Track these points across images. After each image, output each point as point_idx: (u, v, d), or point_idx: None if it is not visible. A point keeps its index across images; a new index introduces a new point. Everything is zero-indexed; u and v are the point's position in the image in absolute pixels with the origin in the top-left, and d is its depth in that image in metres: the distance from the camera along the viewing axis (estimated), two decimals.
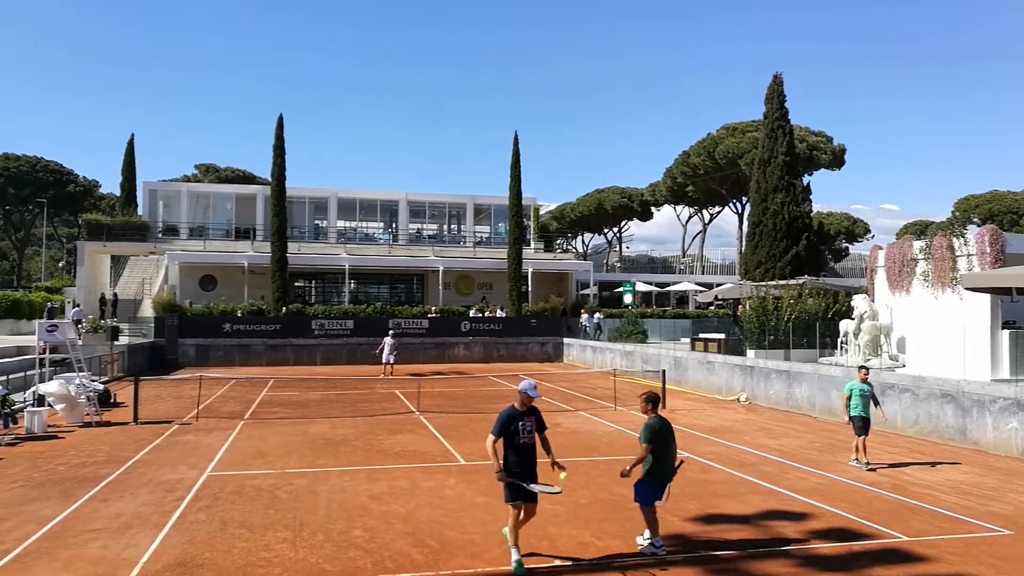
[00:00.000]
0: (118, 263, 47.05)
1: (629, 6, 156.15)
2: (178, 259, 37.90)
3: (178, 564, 7.45)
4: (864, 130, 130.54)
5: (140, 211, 43.12)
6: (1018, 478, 11.60)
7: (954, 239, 17.57)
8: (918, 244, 18.84)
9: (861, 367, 13.14)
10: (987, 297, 16.20)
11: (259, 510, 9.50)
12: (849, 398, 12.43)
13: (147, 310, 37.31)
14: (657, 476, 7.68)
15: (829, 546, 8.15)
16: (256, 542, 8.19)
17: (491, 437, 7.44)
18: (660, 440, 7.71)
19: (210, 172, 69.09)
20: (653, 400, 8.06)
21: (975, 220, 62.05)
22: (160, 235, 42.26)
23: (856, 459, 12.40)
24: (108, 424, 16.41)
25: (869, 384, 12.57)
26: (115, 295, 38.72)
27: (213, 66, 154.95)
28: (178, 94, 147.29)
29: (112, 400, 19.38)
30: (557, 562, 7.63)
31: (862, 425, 12.31)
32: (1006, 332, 16.17)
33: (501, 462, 7.38)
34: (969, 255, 17.04)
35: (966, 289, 16.32)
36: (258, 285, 37.43)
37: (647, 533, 7.87)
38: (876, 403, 12.66)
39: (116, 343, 27.30)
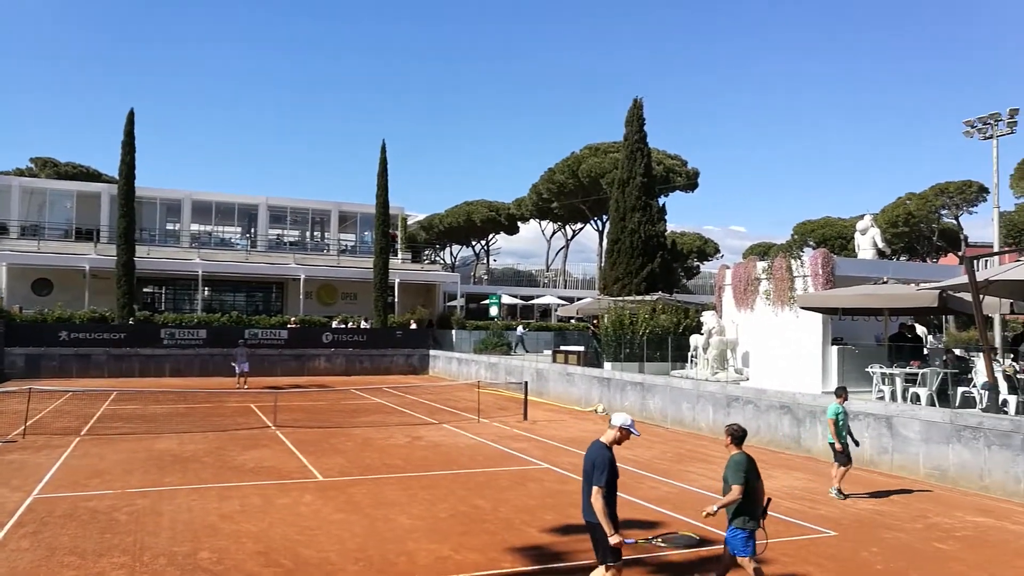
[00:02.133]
0: None
1: (504, 14, 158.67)
2: (6, 260, 34.59)
3: None
4: (716, 154, 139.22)
5: None
6: (843, 483, 12.64)
7: (792, 261, 19.00)
8: (761, 265, 20.20)
9: (841, 388, 12.21)
10: (819, 316, 17.61)
11: (93, 535, 8.81)
12: (836, 422, 11.50)
13: None
14: (751, 520, 6.67)
15: (678, 553, 8.52)
16: (88, 570, 7.58)
17: (598, 489, 6.02)
18: (751, 478, 6.72)
19: (48, 167, 63.67)
20: (739, 436, 7.01)
21: (811, 243, 67.39)
22: None
23: (839, 488, 11.64)
24: None
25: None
26: None
27: (54, 53, 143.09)
28: (10, 80, 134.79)
29: None
30: None
31: (849, 454, 11.57)
32: (834, 348, 17.63)
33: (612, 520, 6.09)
34: (805, 276, 18.46)
35: (801, 308, 17.67)
36: (101, 290, 34.75)
37: None
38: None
39: None
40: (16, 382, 26.27)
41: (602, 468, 6.08)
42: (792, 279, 18.72)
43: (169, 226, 44.32)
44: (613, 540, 5.99)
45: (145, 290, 39.68)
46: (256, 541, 8.65)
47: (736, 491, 6.57)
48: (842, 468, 11.59)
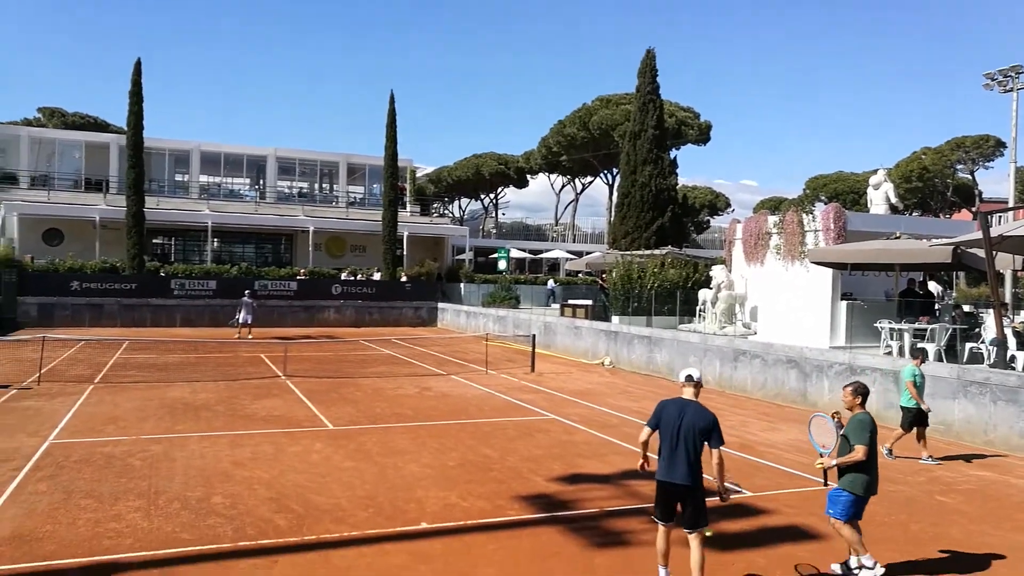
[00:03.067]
0: None
1: None
2: (17, 210, 34.67)
3: (14, 537, 6.95)
4: (728, 107, 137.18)
5: None
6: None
7: (803, 215, 18.84)
8: (772, 219, 20.06)
9: (920, 350, 11.66)
10: (829, 271, 17.53)
11: (109, 479, 8.99)
12: (915, 384, 10.92)
13: None
14: (870, 485, 6.39)
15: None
16: (105, 512, 7.75)
17: (719, 449, 5.99)
18: (874, 442, 6.39)
19: (55, 116, 63.36)
20: (863, 392, 6.66)
21: (822, 198, 66.76)
22: None
23: (930, 456, 11.05)
24: None
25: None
26: None
27: (61, 2, 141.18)
28: (17, 29, 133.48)
29: None
30: (424, 524, 7.70)
31: (923, 417, 11.04)
32: (843, 303, 17.59)
33: None
34: (816, 231, 18.33)
35: (812, 263, 17.59)
36: (112, 241, 34.88)
37: (854, 559, 6.50)
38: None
39: None
40: (30, 330, 26.59)
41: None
42: (803, 234, 18.59)
43: (178, 177, 44.20)
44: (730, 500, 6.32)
45: (155, 241, 39.78)
46: (268, 487, 8.82)
47: (860, 451, 6.26)
48: (921, 429, 11.04)
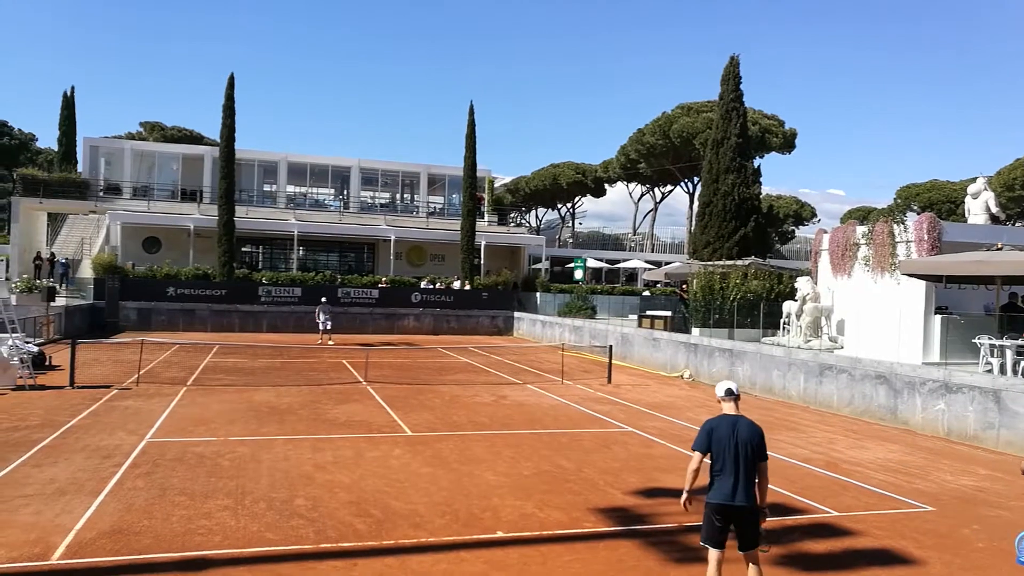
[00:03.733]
0: (55, 221, 45.32)
1: None
2: (120, 219, 36.70)
3: (114, 531, 7.32)
4: (814, 115, 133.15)
5: (80, 168, 41.52)
6: (943, 457, 12.12)
7: (895, 226, 18.10)
8: (861, 229, 19.34)
9: None
10: (923, 283, 16.76)
11: (200, 477, 9.38)
12: None
13: (86, 271, 36.11)
14: None
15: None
16: (196, 510, 8.09)
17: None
18: None
19: (155, 130, 66.88)
20: None
21: (915, 208, 63.94)
22: (101, 194, 40.73)
23: None
24: (42, 388, 15.92)
25: None
26: (52, 255, 37.39)
27: (162, 24, 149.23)
28: (124, 50, 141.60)
29: (47, 363, 18.80)
30: (500, 533, 7.72)
31: None
32: (938, 318, 16.77)
33: None
34: (908, 242, 17.58)
35: (904, 275, 16.85)
36: (204, 249, 36.52)
37: None
38: None
39: (52, 304, 26.41)
40: (130, 333, 28.09)
41: None
42: (894, 244, 17.86)
43: (266, 187, 45.86)
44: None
45: (244, 249, 41.37)
46: (348, 491, 9.02)
47: None
48: None
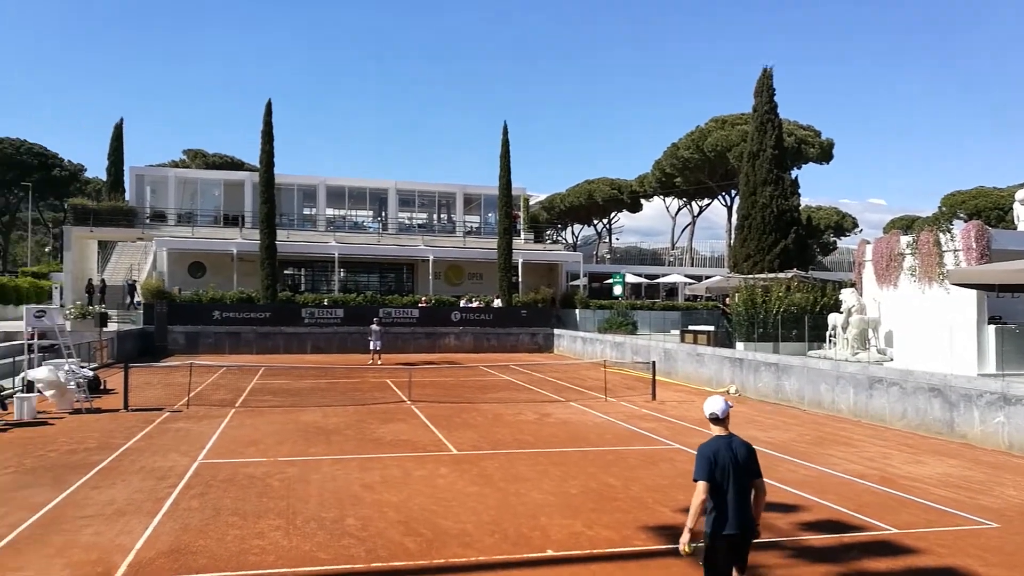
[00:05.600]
0: (105, 248, 46.65)
1: None
2: (166, 245, 37.63)
3: (172, 551, 7.45)
4: (852, 125, 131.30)
5: (127, 196, 42.73)
6: (1005, 472, 11.75)
7: (941, 234, 17.72)
8: (905, 239, 18.97)
9: None
10: (973, 292, 16.34)
11: (252, 498, 9.51)
12: None
13: (135, 296, 37.06)
14: None
15: (820, 538, 8.24)
16: (249, 529, 8.20)
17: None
18: None
19: (198, 158, 68.60)
20: None
21: (961, 216, 62.54)
22: (148, 221, 41.87)
23: None
24: (98, 411, 16.34)
25: None
26: (103, 281, 38.43)
27: (203, 53, 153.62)
28: (166, 79, 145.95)
29: (102, 387, 19.29)
30: (550, 552, 7.68)
31: None
32: (992, 327, 16.33)
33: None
34: (956, 250, 17.18)
35: (953, 284, 16.46)
36: (247, 272, 37.23)
37: None
38: None
39: (105, 329, 27.11)
40: (179, 357, 28.68)
41: None
42: (941, 254, 17.48)
43: (306, 211, 46.68)
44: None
45: (286, 272, 42.07)
46: (397, 511, 9.05)
47: None
48: None
